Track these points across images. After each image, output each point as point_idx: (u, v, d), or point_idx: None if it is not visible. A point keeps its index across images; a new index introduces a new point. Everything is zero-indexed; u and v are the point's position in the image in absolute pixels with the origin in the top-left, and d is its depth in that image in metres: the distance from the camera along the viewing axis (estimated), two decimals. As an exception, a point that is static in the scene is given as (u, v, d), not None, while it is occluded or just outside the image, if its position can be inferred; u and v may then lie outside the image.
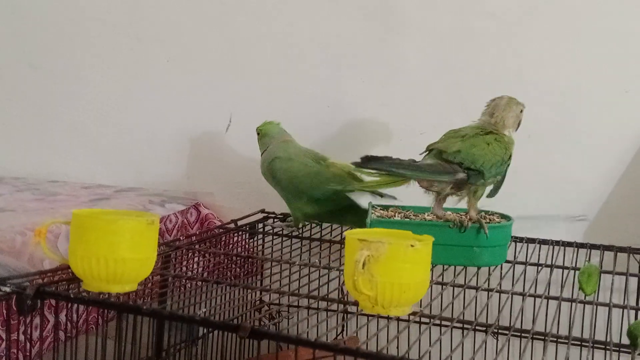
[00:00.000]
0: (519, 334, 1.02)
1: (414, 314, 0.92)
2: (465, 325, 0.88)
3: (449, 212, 1.26)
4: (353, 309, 1.42)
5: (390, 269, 0.86)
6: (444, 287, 1.05)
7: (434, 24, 1.50)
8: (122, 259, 0.88)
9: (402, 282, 0.86)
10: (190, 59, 1.69)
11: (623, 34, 1.38)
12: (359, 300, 0.90)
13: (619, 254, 1.29)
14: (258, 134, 1.45)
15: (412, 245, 0.86)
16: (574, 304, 1.00)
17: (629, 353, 1.20)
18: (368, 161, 1.10)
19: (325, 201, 1.36)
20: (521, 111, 1.22)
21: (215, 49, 1.67)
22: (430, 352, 1.26)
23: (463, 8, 1.48)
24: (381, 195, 1.31)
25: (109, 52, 1.76)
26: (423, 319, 1.19)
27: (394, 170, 1.10)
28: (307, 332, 1.34)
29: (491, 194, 1.20)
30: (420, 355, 0.77)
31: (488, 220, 1.21)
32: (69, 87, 1.79)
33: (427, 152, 1.19)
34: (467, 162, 1.12)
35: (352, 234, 0.90)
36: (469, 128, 1.19)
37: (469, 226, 1.13)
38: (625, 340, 0.86)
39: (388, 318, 0.93)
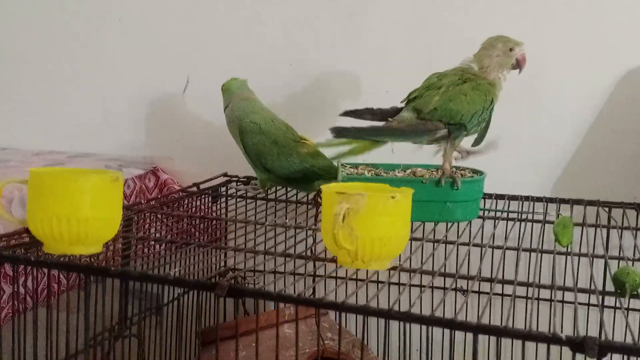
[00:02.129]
0: (501, 285, 1.00)
1: (393, 268, 0.89)
2: (447, 278, 0.86)
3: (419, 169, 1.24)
4: (320, 272, 1.41)
5: (370, 222, 0.83)
6: (421, 242, 1.03)
7: (399, 3, 1.45)
8: (85, 219, 0.82)
9: (382, 235, 0.83)
10: (144, 17, 1.61)
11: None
12: (338, 255, 0.87)
13: (588, 207, 1.28)
14: (222, 90, 1.39)
15: (392, 197, 0.83)
16: (552, 255, 0.99)
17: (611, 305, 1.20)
18: (340, 132, 1.09)
19: (292, 175, 1.32)
20: (510, 49, 1.14)
21: (171, 6, 1.59)
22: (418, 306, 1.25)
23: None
24: None
25: (56, 12, 1.67)
26: (400, 279, 1.16)
27: (372, 138, 1.09)
28: (284, 290, 1.32)
29: (476, 142, 1.19)
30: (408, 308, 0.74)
31: (460, 175, 1.18)
32: (12, 49, 1.70)
33: (407, 101, 1.16)
34: (446, 118, 1.10)
35: (330, 188, 0.87)
36: (450, 75, 1.14)
37: (443, 182, 1.11)
38: (609, 288, 0.85)
39: (365, 277, 0.90)
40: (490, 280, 0.84)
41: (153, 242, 1.05)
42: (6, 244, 0.92)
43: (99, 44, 1.64)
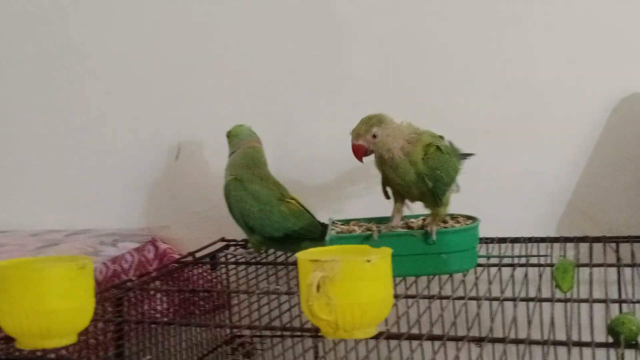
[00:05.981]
0: (493, 342, 0.95)
1: (380, 334, 0.84)
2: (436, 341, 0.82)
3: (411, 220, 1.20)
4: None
5: (347, 289, 0.79)
6: (410, 300, 0.98)
7: (375, 28, 1.43)
8: (53, 311, 0.79)
9: (362, 301, 0.79)
10: (130, 89, 1.61)
11: (574, 21, 1.33)
12: (319, 326, 0.83)
13: (594, 244, 1.22)
14: (227, 137, 1.37)
15: (368, 261, 0.79)
16: (552, 303, 0.94)
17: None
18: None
19: (275, 234, 1.29)
20: (374, 136, 1.07)
21: (156, 76, 1.59)
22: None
23: (403, 9, 1.41)
24: None
25: (46, 89, 1.67)
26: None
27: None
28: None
29: None
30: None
31: (450, 224, 1.15)
32: (4, 128, 1.71)
33: None
34: None
35: (304, 255, 0.84)
36: None
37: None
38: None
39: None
40: (480, 339, 0.79)
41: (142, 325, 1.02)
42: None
43: (87, 118, 1.64)
